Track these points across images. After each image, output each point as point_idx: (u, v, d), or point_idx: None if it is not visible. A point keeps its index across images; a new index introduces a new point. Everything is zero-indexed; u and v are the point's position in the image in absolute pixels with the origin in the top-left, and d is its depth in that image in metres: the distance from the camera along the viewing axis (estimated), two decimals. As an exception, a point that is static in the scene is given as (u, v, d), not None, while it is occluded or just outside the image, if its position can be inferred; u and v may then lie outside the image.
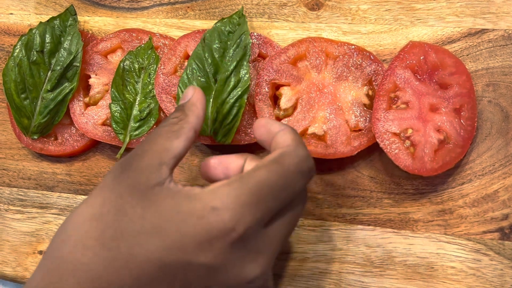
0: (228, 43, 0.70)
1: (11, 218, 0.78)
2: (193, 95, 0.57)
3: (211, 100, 0.69)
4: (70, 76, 0.75)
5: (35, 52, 0.75)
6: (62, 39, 0.76)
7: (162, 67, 0.72)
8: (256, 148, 0.72)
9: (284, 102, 0.68)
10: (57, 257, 0.49)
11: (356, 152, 0.65)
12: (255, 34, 0.72)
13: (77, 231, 0.49)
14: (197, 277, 0.48)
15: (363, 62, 0.68)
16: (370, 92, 0.67)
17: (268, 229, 0.50)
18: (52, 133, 0.77)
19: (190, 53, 0.72)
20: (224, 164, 0.57)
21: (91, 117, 0.74)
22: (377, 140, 0.63)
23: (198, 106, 0.56)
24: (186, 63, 0.72)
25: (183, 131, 0.53)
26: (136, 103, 0.73)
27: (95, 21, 0.81)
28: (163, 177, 0.50)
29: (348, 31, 0.72)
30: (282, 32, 0.74)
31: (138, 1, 0.80)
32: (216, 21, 0.74)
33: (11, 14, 0.85)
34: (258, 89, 0.69)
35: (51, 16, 0.79)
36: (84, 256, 0.48)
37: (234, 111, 0.68)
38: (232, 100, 0.68)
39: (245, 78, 0.68)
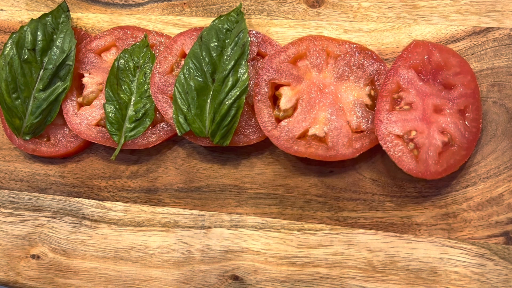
0: (226, 41, 0.68)
1: (2, 221, 0.76)
2: None
3: (209, 100, 0.67)
4: (63, 75, 0.73)
5: (26, 50, 0.73)
6: (55, 36, 0.74)
7: (158, 66, 0.70)
8: (253, 150, 0.70)
9: (284, 103, 0.66)
10: None
11: (358, 154, 0.64)
12: (253, 32, 0.70)
13: None
14: None
15: (365, 62, 0.66)
16: (372, 93, 0.65)
17: None
18: (45, 134, 0.75)
19: (187, 51, 0.70)
20: None
21: (85, 118, 0.72)
22: (380, 142, 0.62)
23: None
24: (182, 62, 0.70)
25: None
26: (131, 103, 0.71)
27: (89, 18, 0.79)
28: None
29: (350, 29, 0.70)
30: (282, 30, 0.72)
31: (133, -3, 0.78)
32: (214, 18, 0.72)
33: (1, 10, 0.83)
34: (257, 89, 0.67)
35: (43, 13, 0.76)
36: None
37: (233, 112, 0.66)
38: (230, 101, 0.66)
39: (244, 78, 0.66)
